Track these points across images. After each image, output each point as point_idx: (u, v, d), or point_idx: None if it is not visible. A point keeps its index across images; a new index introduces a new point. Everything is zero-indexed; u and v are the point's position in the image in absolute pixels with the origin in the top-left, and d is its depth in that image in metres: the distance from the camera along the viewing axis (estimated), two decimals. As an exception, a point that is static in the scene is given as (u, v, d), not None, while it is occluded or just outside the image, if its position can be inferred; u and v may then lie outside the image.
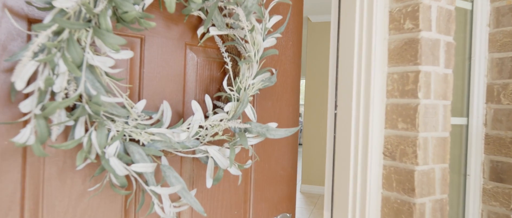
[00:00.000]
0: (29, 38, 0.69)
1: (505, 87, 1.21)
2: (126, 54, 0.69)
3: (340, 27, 1.14)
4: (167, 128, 0.78)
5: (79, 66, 0.64)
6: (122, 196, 0.82)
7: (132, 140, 0.75)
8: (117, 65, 0.78)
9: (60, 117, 0.67)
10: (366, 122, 1.06)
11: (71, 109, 0.70)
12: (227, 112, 0.85)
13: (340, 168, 1.13)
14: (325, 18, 4.85)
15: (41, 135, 0.63)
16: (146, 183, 0.74)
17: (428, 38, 1.01)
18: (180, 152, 0.80)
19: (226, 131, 0.91)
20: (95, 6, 0.64)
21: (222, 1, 0.83)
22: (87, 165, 0.76)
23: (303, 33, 6.12)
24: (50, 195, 0.73)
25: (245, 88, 0.87)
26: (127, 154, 0.72)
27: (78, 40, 0.65)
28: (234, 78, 0.88)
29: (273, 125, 0.87)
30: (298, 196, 4.79)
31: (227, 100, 0.89)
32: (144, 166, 0.71)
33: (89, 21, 0.65)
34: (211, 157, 0.80)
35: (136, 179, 0.80)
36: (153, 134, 0.74)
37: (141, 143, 0.76)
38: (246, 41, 0.87)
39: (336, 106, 1.15)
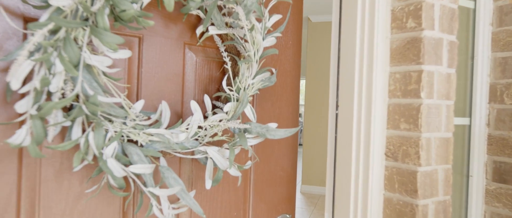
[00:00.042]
0: (25, 37, 0.68)
1: (508, 87, 1.20)
2: (124, 54, 0.67)
3: (342, 26, 1.12)
4: (166, 128, 0.77)
5: (76, 66, 0.63)
6: (120, 197, 0.80)
7: (130, 141, 0.74)
8: (114, 64, 0.77)
9: (56, 117, 0.65)
10: (368, 123, 1.05)
11: (68, 110, 0.69)
12: (226, 113, 0.84)
13: (341, 169, 1.12)
14: (325, 18, 4.84)
15: (37, 136, 0.62)
16: (145, 184, 0.73)
17: (431, 37, 1.00)
18: (179, 153, 0.79)
19: (225, 131, 0.90)
20: (92, 4, 0.63)
21: (222, 0, 0.82)
22: (84, 166, 0.75)
23: (304, 33, 6.11)
24: (47, 197, 0.72)
25: (244, 88, 0.86)
26: (125, 155, 0.71)
27: (75, 39, 0.64)
28: (234, 78, 0.87)
29: (273, 125, 0.86)
30: (298, 196, 4.78)
31: (227, 100, 0.87)
32: (143, 167, 0.70)
33: (86, 19, 0.64)
34: (210, 158, 0.79)
35: (134, 181, 0.78)
36: (152, 135, 0.73)
37: (139, 144, 0.74)
38: (246, 41, 0.86)
39: (337, 106, 1.14)
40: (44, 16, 0.61)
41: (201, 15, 0.84)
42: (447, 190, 1.07)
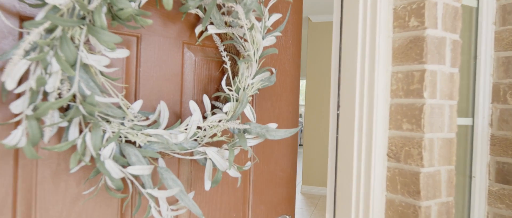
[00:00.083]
0: (20, 36, 0.67)
1: (511, 86, 1.18)
2: (122, 53, 0.66)
3: (343, 25, 1.11)
4: (164, 129, 0.76)
5: (73, 65, 0.62)
6: (118, 199, 0.79)
7: (128, 141, 0.73)
8: (112, 64, 0.76)
9: (53, 118, 0.64)
10: (369, 123, 1.03)
11: (64, 110, 0.68)
12: (226, 113, 0.83)
13: (342, 170, 1.10)
14: (325, 18, 4.83)
15: (33, 137, 0.61)
16: (143, 185, 0.72)
17: (434, 36, 0.99)
18: (177, 153, 0.78)
19: (224, 132, 0.88)
20: (89, 2, 0.62)
21: (221, -2, 0.80)
22: (81, 167, 0.74)
23: (304, 33, 6.10)
24: (43, 198, 0.71)
25: (244, 88, 0.85)
26: (123, 156, 0.70)
27: (72, 38, 0.62)
28: (233, 78, 0.86)
29: (273, 125, 0.85)
30: (299, 197, 4.77)
31: (226, 100, 0.86)
32: (141, 169, 0.68)
33: (83, 18, 0.63)
34: (210, 158, 0.78)
35: (132, 182, 0.77)
36: (150, 136, 0.72)
37: (137, 145, 0.73)
38: (245, 40, 0.84)
39: (338, 106, 1.13)
40: (40, 14, 0.60)
41: (200, 14, 0.83)
42: (450, 191, 1.05)
